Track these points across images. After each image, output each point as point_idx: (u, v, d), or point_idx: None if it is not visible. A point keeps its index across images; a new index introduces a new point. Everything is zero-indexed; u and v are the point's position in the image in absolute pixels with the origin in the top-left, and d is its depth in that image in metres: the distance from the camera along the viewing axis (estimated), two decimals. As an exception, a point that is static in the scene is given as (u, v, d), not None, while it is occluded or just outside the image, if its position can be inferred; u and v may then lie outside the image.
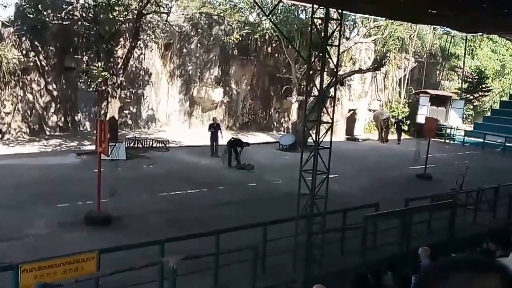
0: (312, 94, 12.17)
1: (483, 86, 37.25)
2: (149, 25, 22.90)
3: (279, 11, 24.29)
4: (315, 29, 10.05)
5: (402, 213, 11.25)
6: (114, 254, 7.78)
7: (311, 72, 10.53)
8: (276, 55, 29.31)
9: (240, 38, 26.62)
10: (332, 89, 12.93)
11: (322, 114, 9.73)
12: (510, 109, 31.00)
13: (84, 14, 20.95)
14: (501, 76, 40.07)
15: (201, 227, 10.32)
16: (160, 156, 20.18)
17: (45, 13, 21.02)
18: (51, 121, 23.46)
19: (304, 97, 15.34)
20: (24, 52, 21.80)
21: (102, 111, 22.65)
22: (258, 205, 13.54)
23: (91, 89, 20.94)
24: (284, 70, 28.28)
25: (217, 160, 19.85)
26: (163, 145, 21.61)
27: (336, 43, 10.16)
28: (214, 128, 21.07)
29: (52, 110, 23.37)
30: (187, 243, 8.61)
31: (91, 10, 20.88)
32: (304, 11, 25.19)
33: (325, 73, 10.08)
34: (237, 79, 29.26)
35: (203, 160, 19.89)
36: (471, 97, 36.67)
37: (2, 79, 20.84)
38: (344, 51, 25.40)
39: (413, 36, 34.05)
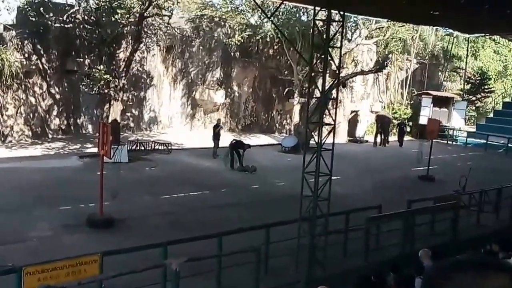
0: (314, 96, 12.17)
1: (486, 87, 37.17)
2: (151, 28, 22.94)
3: (281, 13, 24.30)
4: (317, 31, 10.05)
5: (405, 215, 11.22)
6: (116, 257, 7.78)
7: (313, 74, 10.53)
8: (278, 57, 29.30)
9: (242, 40, 26.63)
10: (334, 91, 12.93)
11: (324, 116, 9.72)
12: (513, 110, 30.96)
13: (86, 17, 20.98)
14: (503, 77, 40.00)
15: (203, 229, 10.31)
16: (162, 158, 20.20)
17: (47, 16, 21.05)
18: (53, 124, 23.50)
19: (306, 99, 15.36)
20: (26, 55, 21.84)
21: (105, 114, 22.68)
22: (261, 207, 13.53)
23: (93, 92, 20.96)
24: (286, 72, 28.27)
25: (219, 162, 19.86)
26: (165, 147, 21.64)
27: (338, 44, 10.19)
28: (219, 128, 21.37)
29: (55, 113, 23.41)
30: (190, 245, 8.60)
31: (93, 13, 20.92)
32: (305, 13, 25.20)
33: (327, 75, 10.08)
34: (239, 81, 29.27)
35: (205, 162, 19.89)
36: (474, 98, 36.60)
37: (4, 83, 20.88)
38: (346, 53, 25.40)
39: (415, 38, 34.03)
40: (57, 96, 23.30)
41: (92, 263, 7.20)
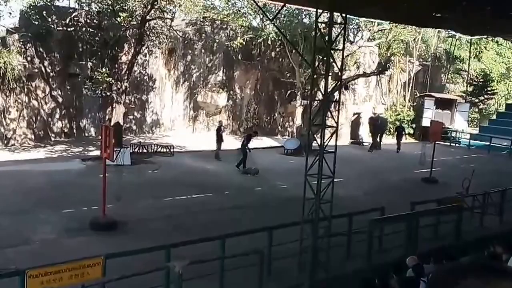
0: (317, 98, 12.15)
1: (488, 89, 37.11)
2: (153, 30, 23.00)
3: (283, 16, 24.32)
4: (319, 33, 10.05)
5: (408, 217, 11.19)
6: (119, 260, 7.77)
7: (315, 76, 10.51)
8: (280, 59, 29.29)
9: (244, 43, 26.66)
10: (336, 93, 12.92)
11: (326, 118, 9.70)
12: (516, 112, 30.91)
13: (88, 21, 21.07)
14: (506, 79, 39.92)
15: (206, 231, 10.30)
16: (164, 161, 20.20)
17: (49, 19, 21.13)
18: (56, 127, 23.56)
19: (308, 101, 15.33)
20: (29, 58, 21.91)
21: (107, 117, 22.70)
22: (264, 210, 13.53)
23: (95, 95, 21.03)
24: (288, 75, 28.26)
25: (222, 164, 19.86)
26: (167, 150, 21.66)
27: (340, 47, 10.17)
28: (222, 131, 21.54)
29: (57, 116, 23.46)
30: (193, 248, 8.59)
31: (96, 16, 20.98)
32: (308, 16, 25.22)
33: (329, 77, 10.07)
34: (241, 84, 29.29)
35: (208, 164, 19.89)
36: (477, 100, 36.54)
37: (7, 86, 20.95)
38: (348, 55, 25.39)
39: (418, 39, 34.02)
40: (60, 99, 23.37)
41: (95, 266, 7.19)
